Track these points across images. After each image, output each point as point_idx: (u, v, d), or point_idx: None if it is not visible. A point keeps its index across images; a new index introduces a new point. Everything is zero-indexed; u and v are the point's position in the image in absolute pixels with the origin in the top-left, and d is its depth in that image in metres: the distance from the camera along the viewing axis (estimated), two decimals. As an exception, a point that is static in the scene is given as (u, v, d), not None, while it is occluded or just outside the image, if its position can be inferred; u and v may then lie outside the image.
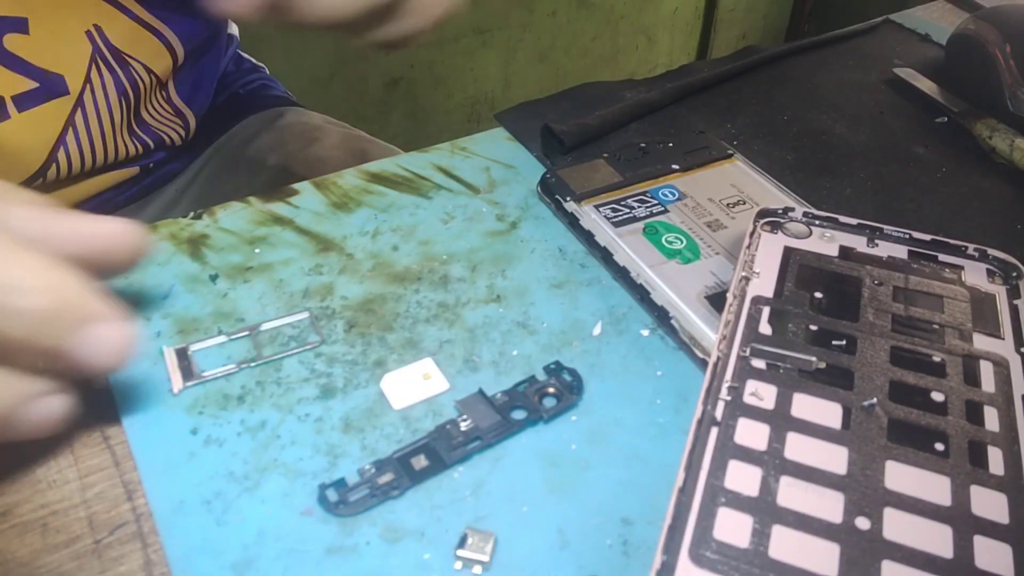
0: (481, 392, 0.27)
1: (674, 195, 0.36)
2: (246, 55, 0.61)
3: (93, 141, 0.45)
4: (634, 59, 1.65)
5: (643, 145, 0.39)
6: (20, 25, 0.40)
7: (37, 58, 0.41)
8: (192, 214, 0.35)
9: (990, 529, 0.21)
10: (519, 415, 0.27)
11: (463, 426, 0.26)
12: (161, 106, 0.50)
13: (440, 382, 0.28)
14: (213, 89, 0.55)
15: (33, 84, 0.41)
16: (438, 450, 0.25)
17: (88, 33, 0.42)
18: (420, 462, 0.25)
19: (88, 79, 0.44)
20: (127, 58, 0.45)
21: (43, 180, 0.44)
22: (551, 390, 0.28)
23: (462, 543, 0.23)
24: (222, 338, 0.29)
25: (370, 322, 0.31)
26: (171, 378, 0.28)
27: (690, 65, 0.51)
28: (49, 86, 0.42)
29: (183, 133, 0.52)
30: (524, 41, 1.42)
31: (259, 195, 0.37)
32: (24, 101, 0.41)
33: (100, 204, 0.50)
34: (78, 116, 0.44)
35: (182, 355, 0.28)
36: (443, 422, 0.26)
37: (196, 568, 0.23)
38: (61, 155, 0.44)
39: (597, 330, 0.31)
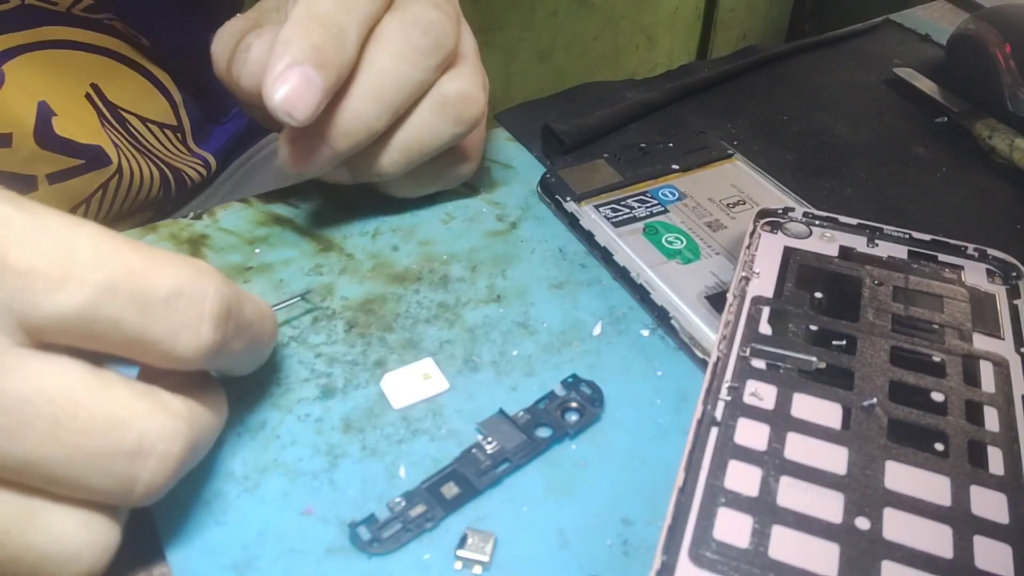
0: (502, 412, 0.27)
1: (674, 195, 0.36)
2: None
3: (118, 195, 0.45)
4: (634, 59, 1.65)
5: (643, 145, 0.39)
6: (48, 107, 0.40)
7: (80, 134, 0.41)
8: (192, 214, 0.35)
9: (990, 529, 0.21)
10: (544, 433, 0.26)
11: (489, 449, 0.26)
12: (177, 148, 0.49)
13: (440, 382, 0.28)
14: (232, 123, 0.54)
15: (78, 161, 0.41)
16: (467, 476, 0.25)
17: (87, 96, 0.42)
18: (451, 490, 0.25)
19: (115, 144, 0.43)
20: (123, 113, 0.44)
21: None
22: (573, 404, 0.27)
23: (462, 543, 0.23)
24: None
25: (370, 322, 0.31)
26: None
27: (690, 65, 0.51)
28: (93, 160, 0.42)
29: (204, 172, 0.51)
30: (525, 41, 1.42)
31: (259, 195, 0.37)
32: (60, 176, 0.41)
33: None
34: (113, 181, 0.43)
35: None
36: (468, 447, 0.26)
37: (196, 568, 0.23)
38: (80, 211, 0.43)
39: (597, 330, 0.31)
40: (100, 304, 0.18)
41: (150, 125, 0.46)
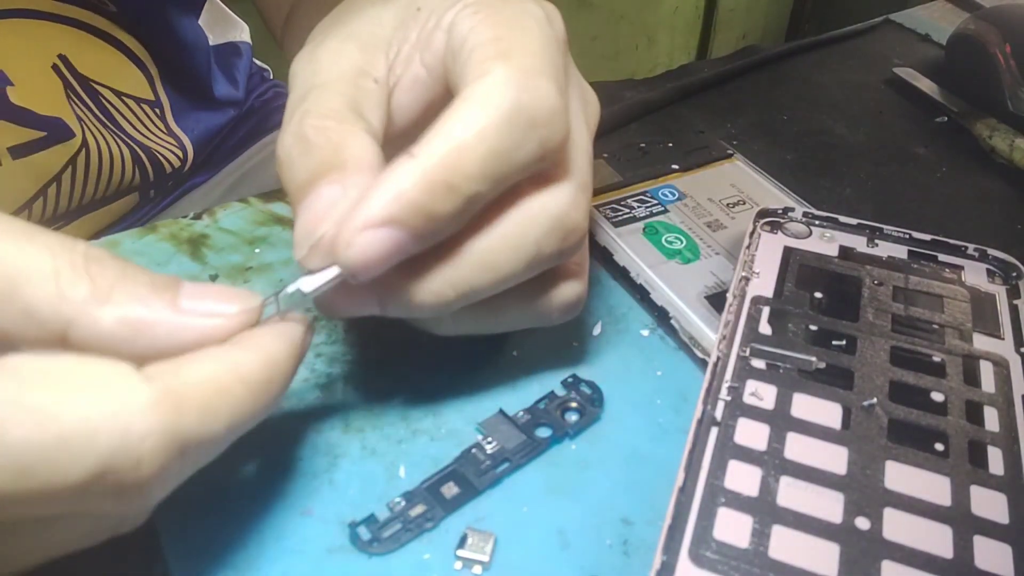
0: (502, 412, 0.27)
1: (674, 195, 0.36)
2: (255, 60, 0.61)
3: (89, 175, 0.44)
4: (634, 59, 1.65)
5: (643, 145, 0.39)
6: (4, 76, 0.39)
7: (40, 105, 0.40)
8: (192, 214, 0.35)
9: (990, 529, 0.21)
10: (544, 432, 0.26)
11: (489, 448, 0.26)
12: (155, 125, 0.48)
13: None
14: (214, 111, 0.53)
15: (39, 133, 0.40)
16: (467, 476, 0.25)
17: (54, 67, 0.41)
18: (451, 490, 0.25)
19: (78, 117, 0.42)
20: (95, 85, 0.43)
21: (28, 214, 0.42)
22: (573, 404, 0.27)
23: (462, 543, 0.23)
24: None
25: (370, 322, 0.30)
26: None
27: (690, 65, 0.51)
28: (55, 132, 0.41)
29: (180, 155, 0.50)
30: (524, 41, 1.42)
31: (259, 195, 0.37)
32: (23, 150, 0.40)
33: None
34: (81, 156, 0.42)
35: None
36: (468, 447, 0.26)
37: (196, 568, 0.23)
38: (51, 191, 0.42)
39: (597, 330, 0.31)
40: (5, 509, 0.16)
41: (125, 99, 0.46)
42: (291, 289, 0.21)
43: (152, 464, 0.17)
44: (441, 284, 0.22)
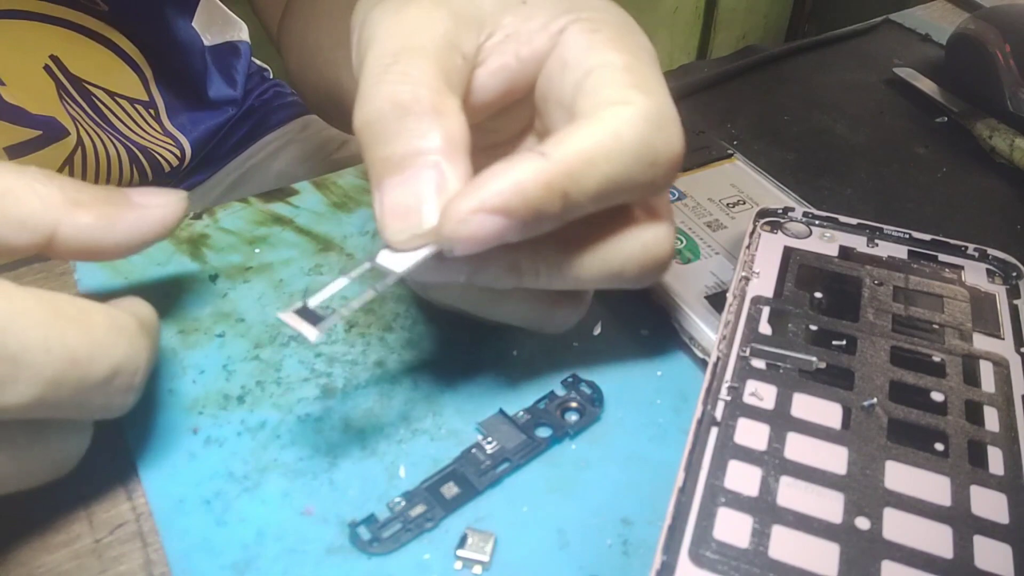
0: (502, 412, 0.27)
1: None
2: (255, 60, 0.61)
3: (87, 175, 0.44)
4: (634, 59, 1.64)
5: (643, 145, 0.39)
6: None
7: (33, 105, 0.40)
8: (192, 214, 0.35)
9: (990, 529, 0.21)
10: (544, 432, 0.26)
11: (489, 448, 0.26)
12: (150, 125, 0.49)
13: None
14: (210, 111, 0.53)
15: (34, 132, 0.40)
16: (467, 476, 0.25)
17: (46, 68, 0.41)
18: (451, 490, 0.25)
19: (72, 117, 0.43)
20: (88, 86, 0.43)
21: None
22: (573, 404, 0.27)
23: (462, 543, 0.23)
24: (342, 280, 0.23)
25: (370, 322, 0.31)
26: (303, 332, 0.22)
27: (690, 65, 0.51)
28: (49, 132, 0.41)
29: (178, 154, 0.50)
30: (524, 41, 1.42)
31: (259, 195, 0.37)
32: (21, 150, 0.40)
33: None
34: (77, 155, 0.43)
35: (303, 312, 0.23)
36: (468, 446, 0.26)
37: (196, 568, 0.23)
38: None
39: (597, 330, 0.31)
40: (46, 396, 0.19)
41: (119, 99, 0.46)
42: (382, 268, 0.22)
43: (143, 370, 0.22)
44: (529, 268, 0.23)
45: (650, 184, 0.22)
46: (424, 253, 0.21)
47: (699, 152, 0.39)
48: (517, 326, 0.26)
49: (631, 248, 0.24)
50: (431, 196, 0.21)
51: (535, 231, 0.22)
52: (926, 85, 0.47)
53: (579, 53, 0.23)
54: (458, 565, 0.23)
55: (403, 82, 0.21)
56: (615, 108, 0.21)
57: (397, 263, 0.22)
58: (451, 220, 0.20)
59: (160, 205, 0.23)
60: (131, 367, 0.21)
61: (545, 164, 0.20)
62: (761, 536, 0.21)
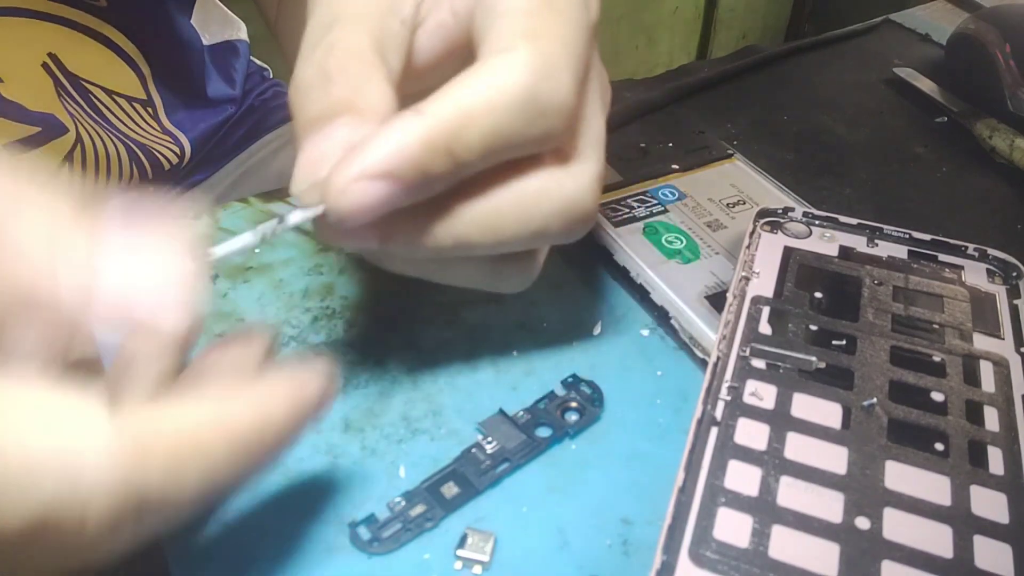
0: (502, 412, 0.27)
1: (674, 195, 0.36)
2: (255, 59, 0.61)
3: (86, 172, 0.44)
4: (634, 59, 1.64)
5: (643, 145, 0.39)
6: None
7: (31, 101, 0.40)
8: (192, 214, 0.35)
9: (990, 529, 0.21)
10: (544, 432, 0.26)
11: (489, 448, 0.26)
12: (148, 123, 0.49)
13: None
14: (209, 110, 0.53)
15: (33, 129, 0.40)
16: (467, 476, 0.25)
17: (44, 66, 0.41)
18: (451, 490, 0.25)
19: (70, 114, 0.43)
20: (86, 84, 0.43)
21: None
22: (573, 404, 0.27)
23: (462, 543, 0.23)
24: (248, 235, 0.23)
25: (370, 322, 0.31)
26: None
27: (690, 65, 0.51)
28: (48, 128, 0.41)
29: (177, 152, 0.50)
30: (524, 41, 1.42)
31: (259, 195, 0.37)
32: (21, 146, 0.40)
33: None
34: (76, 152, 0.42)
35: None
36: (468, 446, 0.26)
37: (196, 568, 0.23)
38: None
39: (597, 330, 0.31)
40: None
41: (116, 98, 0.46)
42: (276, 221, 0.22)
43: (99, 521, 0.14)
44: (443, 232, 0.22)
45: (543, 135, 0.21)
46: (318, 211, 0.21)
47: (699, 152, 0.39)
48: (477, 288, 0.26)
49: (549, 201, 0.22)
50: (335, 153, 0.21)
51: (428, 192, 0.21)
52: (926, 85, 0.47)
53: (493, 2, 0.22)
54: (458, 565, 0.23)
55: (331, 53, 0.21)
56: (499, 57, 0.20)
57: (295, 217, 0.22)
58: (333, 190, 0.20)
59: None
60: (70, 516, 0.14)
61: (424, 121, 0.20)
62: (761, 536, 0.21)
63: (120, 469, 0.15)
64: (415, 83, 0.22)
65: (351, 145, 0.20)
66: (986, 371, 0.26)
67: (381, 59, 0.22)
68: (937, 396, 0.25)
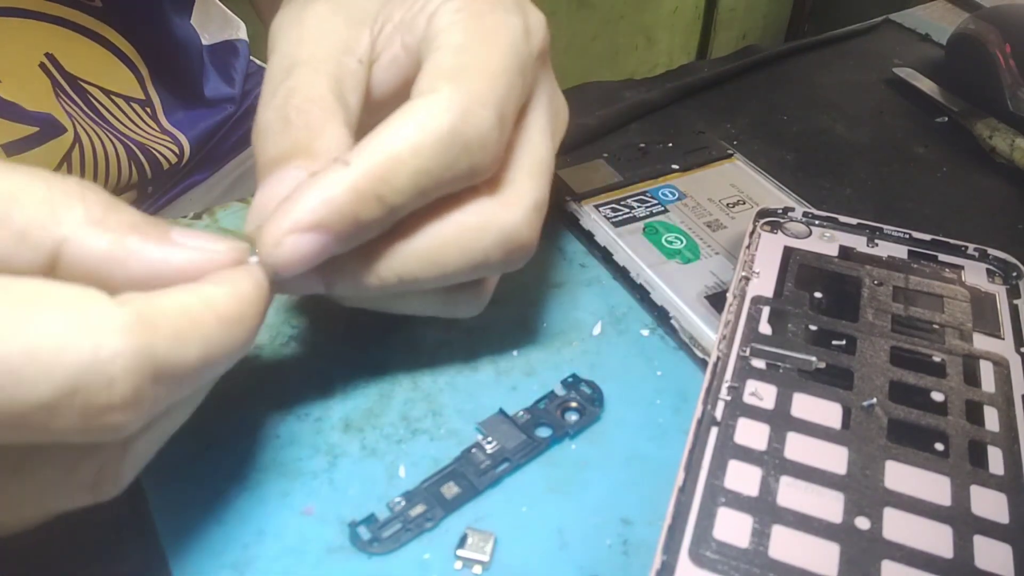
0: (502, 412, 0.27)
1: (674, 195, 0.36)
2: (255, 59, 0.61)
3: (85, 172, 0.44)
4: (634, 59, 1.65)
5: (643, 145, 0.39)
6: None
7: (29, 101, 0.40)
8: (192, 214, 0.35)
9: (990, 529, 0.21)
10: (544, 432, 0.26)
11: (488, 448, 0.26)
12: (147, 123, 0.49)
13: None
14: (208, 110, 0.53)
15: (31, 129, 0.40)
16: (467, 476, 0.25)
17: (42, 66, 0.41)
18: (451, 490, 0.25)
19: (68, 114, 0.43)
20: (83, 84, 0.43)
21: None
22: (573, 404, 0.27)
23: (462, 543, 0.23)
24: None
25: (370, 322, 0.31)
26: None
27: (690, 65, 0.51)
28: (46, 128, 0.41)
29: (176, 151, 0.50)
30: (524, 41, 1.42)
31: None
32: (19, 146, 0.40)
33: None
34: (75, 152, 0.42)
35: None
36: (468, 446, 0.26)
37: (196, 568, 0.23)
38: None
39: (597, 330, 0.31)
40: None
41: (114, 98, 0.46)
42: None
43: (124, 385, 0.16)
44: (387, 271, 0.23)
45: (470, 171, 0.22)
46: (253, 261, 0.21)
47: (699, 152, 0.39)
48: (431, 316, 0.26)
49: (486, 233, 0.23)
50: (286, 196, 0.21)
51: (365, 236, 0.22)
52: (926, 85, 0.47)
53: (435, 34, 0.23)
54: (458, 565, 0.23)
55: (290, 98, 0.22)
56: (422, 99, 0.21)
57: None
58: (266, 244, 0.21)
59: (197, 248, 0.19)
60: (97, 383, 0.15)
61: (349, 172, 0.21)
62: (761, 536, 0.21)
63: (134, 337, 0.16)
64: (376, 114, 0.23)
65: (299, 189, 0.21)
66: (986, 371, 0.26)
67: (338, 101, 0.23)
68: (937, 396, 0.25)
